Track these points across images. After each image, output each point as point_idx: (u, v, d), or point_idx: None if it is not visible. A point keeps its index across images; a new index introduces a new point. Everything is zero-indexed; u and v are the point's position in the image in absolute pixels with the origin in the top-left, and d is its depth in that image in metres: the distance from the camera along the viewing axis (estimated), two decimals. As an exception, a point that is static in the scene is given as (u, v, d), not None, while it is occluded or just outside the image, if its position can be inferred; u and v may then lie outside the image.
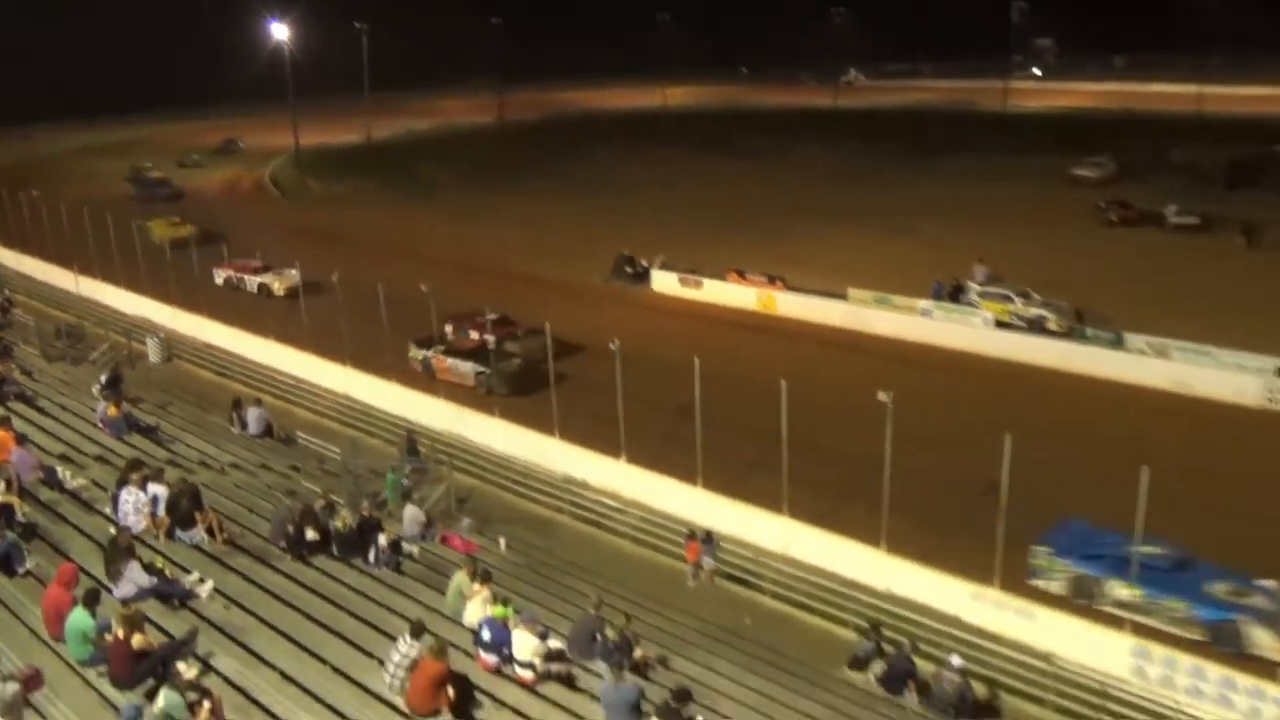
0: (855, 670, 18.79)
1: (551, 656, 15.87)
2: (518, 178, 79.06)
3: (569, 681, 15.74)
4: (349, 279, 36.54)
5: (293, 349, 36.87)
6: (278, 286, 46.14)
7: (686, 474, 25.31)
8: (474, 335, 36.26)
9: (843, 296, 42.96)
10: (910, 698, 18.03)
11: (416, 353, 35.57)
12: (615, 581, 21.74)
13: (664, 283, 48.29)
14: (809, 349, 38.09)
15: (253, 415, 29.47)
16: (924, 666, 18.72)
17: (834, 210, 61.75)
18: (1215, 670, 18.47)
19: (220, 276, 47.92)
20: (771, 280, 45.16)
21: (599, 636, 16.82)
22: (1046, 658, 19.35)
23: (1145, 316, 37.23)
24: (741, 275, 46.15)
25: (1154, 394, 32.93)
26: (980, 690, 18.58)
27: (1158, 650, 19.08)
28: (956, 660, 18.09)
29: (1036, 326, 38.41)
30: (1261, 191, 59.72)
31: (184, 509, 18.37)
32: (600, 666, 16.08)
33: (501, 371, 33.63)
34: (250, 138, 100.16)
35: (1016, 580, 20.97)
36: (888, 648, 19.07)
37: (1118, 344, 35.90)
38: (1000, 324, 39.03)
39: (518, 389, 32.81)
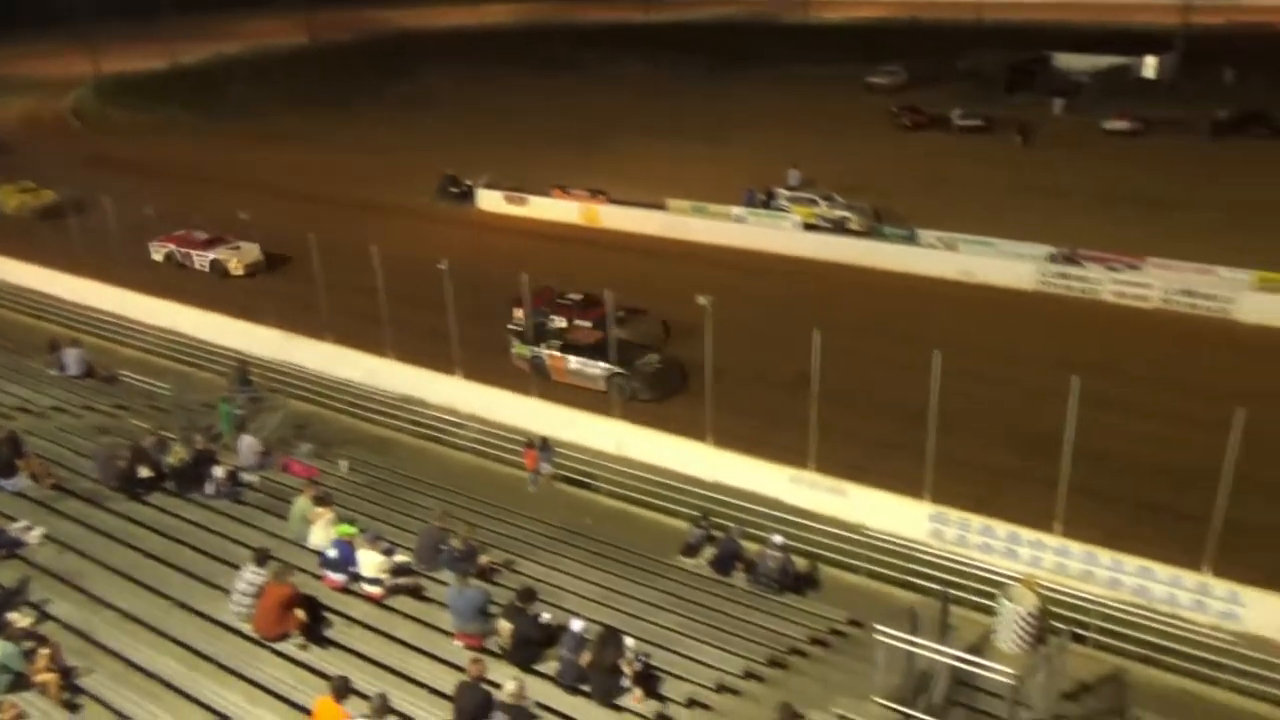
0: (688, 557, 20.13)
1: (398, 571, 16.39)
2: (338, 100, 76.13)
3: (417, 593, 16.30)
4: (173, 213, 34.36)
5: (108, 285, 34.90)
6: (235, 264, 38.62)
7: (521, 385, 26.00)
8: (558, 321, 30.84)
9: (662, 207, 44.09)
10: (738, 576, 19.50)
11: (522, 349, 29.47)
12: (458, 493, 22.29)
13: (490, 201, 48.19)
14: (632, 259, 39.06)
15: (71, 356, 27.98)
16: (750, 547, 20.21)
17: (652, 123, 62.65)
18: (1002, 527, 20.76)
19: (159, 252, 39.88)
20: (594, 194, 45.78)
21: (443, 547, 17.42)
22: (857, 529, 21.29)
23: (936, 213, 40.25)
24: (565, 190, 46.56)
25: (945, 284, 35.82)
26: (801, 564, 20.25)
27: (954, 514, 21.23)
28: (778, 539, 19.62)
29: (840, 227, 40.70)
30: (1035, 94, 64.31)
31: (3, 456, 17.73)
32: (447, 575, 16.75)
33: (642, 372, 28.00)
34: (35, 68, 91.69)
35: (829, 461, 22.70)
36: (717, 534, 20.47)
37: (912, 240, 38.67)
38: (808, 226, 41.14)
39: (662, 392, 27.91)
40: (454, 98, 76.10)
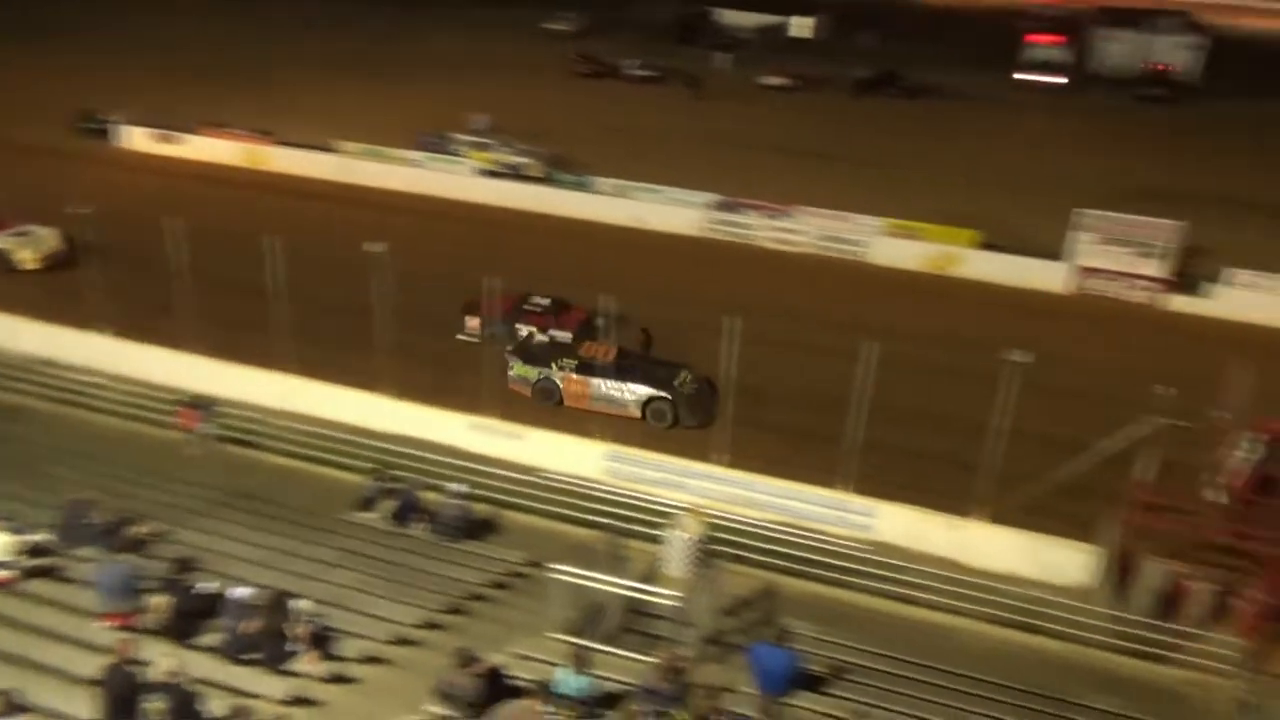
0: (364, 511, 19.64)
1: (30, 551, 14.89)
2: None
3: (56, 573, 14.91)
4: None
5: None
6: (28, 257, 30.43)
7: (174, 341, 24.09)
8: (532, 333, 26.97)
9: (333, 150, 42.11)
10: (418, 527, 19.31)
11: (525, 370, 25.07)
12: (106, 462, 20.45)
13: (137, 139, 43.88)
14: (299, 203, 37.17)
15: None
16: (431, 498, 20.06)
17: (323, 60, 59.56)
18: (672, 462, 21.97)
19: None
20: (258, 134, 42.91)
21: (88, 521, 15.97)
22: (536, 472, 21.75)
23: (610, 161, 41.28)
24: (225, 129, 43.26)
25: (617, 229, 37.03)
26: (482, 509, 20.37)
27: (628, 452, 22.19)
28: (455, 486, 19.67)
29: (516, 173, 40.80)
30: (703, 48, 67.46)
31: None
32: (92, 551, 15.41)
33: (681, 393, 24.47)
34: None
35: (508, 406, 22.88)
36: (395, 486, 20.09)
37: (586, 187, 39.59)
38: (485, 172, 40.90)
39: (705, 416, 24.25)
40: (88, 21, 67.95)
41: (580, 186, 39.54)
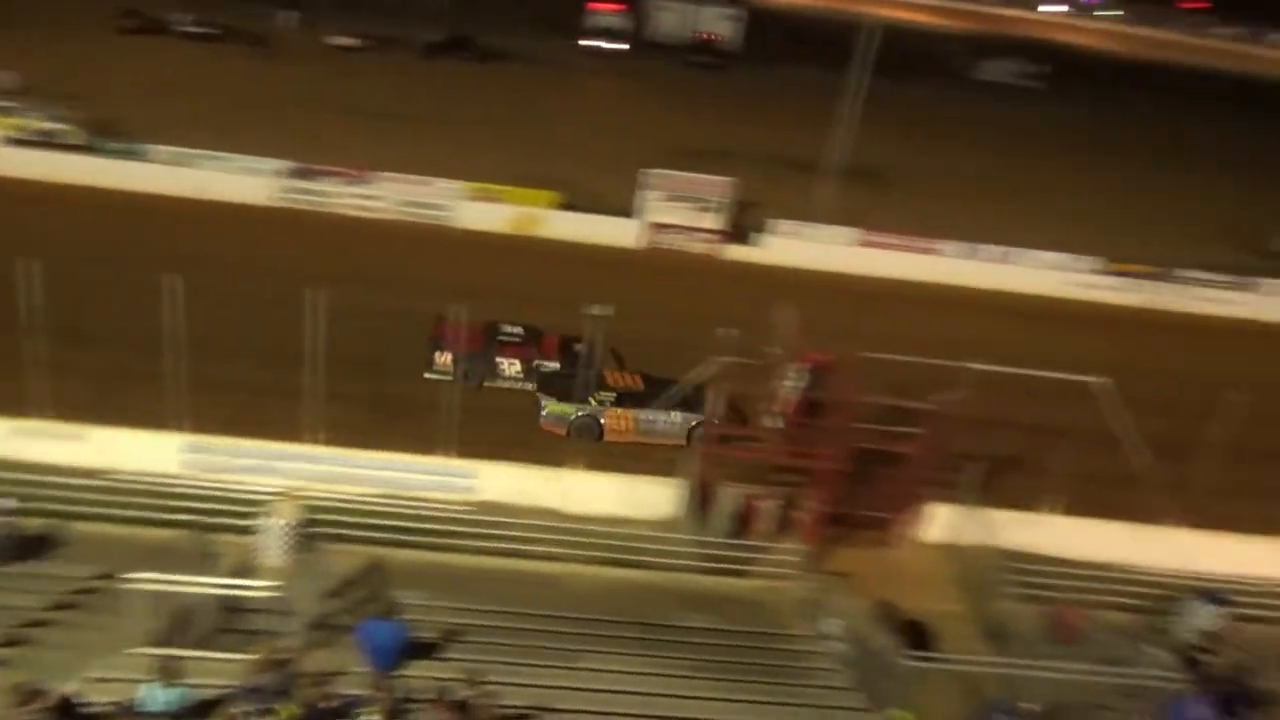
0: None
1: None
2: None
3: None
4: None
5: None
6: None
7: None
8: (510, 366, 24.91)
9: None
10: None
11: (561, 408, 23.47)
12: None
13: None
14: None
15: None
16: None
17: None
18: (258, 445, 20.66)
19: None
20: None
21: None
22: (103, 474, 19.55)
23: (166, 126, 37.82)
24: None
25: (178, 201, 34.15)
26: (34, 524, 17.87)
27: (208, 441, 20.56)
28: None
29: (51, 141, 36.11)
30: (265, 4, 63.49)
31: None
32: None
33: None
34: None
35: (62, 404, 20.24)
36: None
37: (139, 156, 36.02)
38: (11, 140, 35.91)
39: None
40: None
41: (130, 155, 35.81)
